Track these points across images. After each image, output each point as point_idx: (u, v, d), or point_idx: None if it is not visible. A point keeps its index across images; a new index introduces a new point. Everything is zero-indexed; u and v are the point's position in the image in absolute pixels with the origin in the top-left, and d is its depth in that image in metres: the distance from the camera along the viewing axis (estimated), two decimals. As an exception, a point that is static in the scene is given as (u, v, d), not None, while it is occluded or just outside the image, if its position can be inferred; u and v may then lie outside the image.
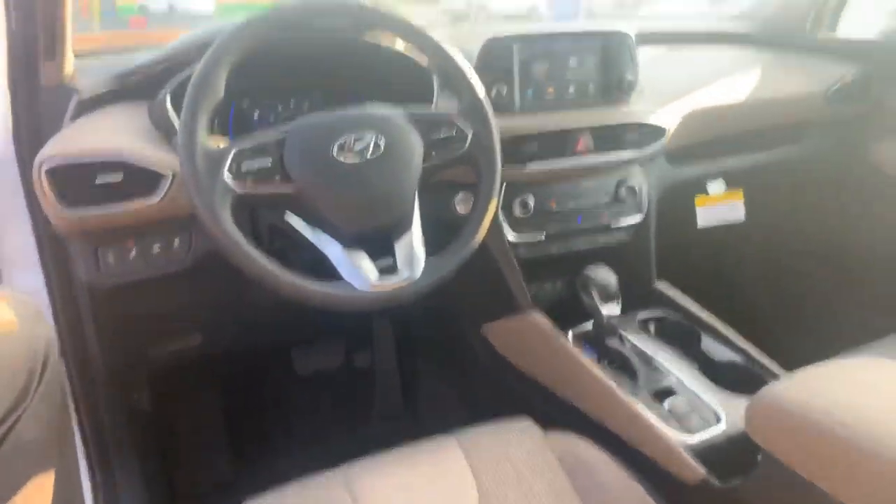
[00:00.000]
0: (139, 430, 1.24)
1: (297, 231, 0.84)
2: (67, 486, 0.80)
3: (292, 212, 0.84)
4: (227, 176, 0.75)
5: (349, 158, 0.80)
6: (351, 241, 0.82)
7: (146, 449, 1.25)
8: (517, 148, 1.10)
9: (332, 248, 0.81)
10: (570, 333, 1.15)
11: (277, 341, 1.53)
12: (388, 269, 0.83)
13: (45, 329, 0.77)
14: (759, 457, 0.78)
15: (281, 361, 1.61)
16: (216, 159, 0.75)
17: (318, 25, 1.01)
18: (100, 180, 0.86)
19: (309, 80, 1.15)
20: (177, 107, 0.90)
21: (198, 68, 0.77)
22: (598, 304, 1.06)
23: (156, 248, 0.94)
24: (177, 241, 0.95)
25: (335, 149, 0.79)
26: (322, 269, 0.82)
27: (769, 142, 1.47)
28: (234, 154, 0.76)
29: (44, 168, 0.83)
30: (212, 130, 0.88)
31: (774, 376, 1.04)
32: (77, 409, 1.10)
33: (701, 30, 1.68)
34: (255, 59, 0.81)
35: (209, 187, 0.74)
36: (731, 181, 1.44)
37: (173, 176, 0.88)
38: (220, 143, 0.78)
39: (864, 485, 0.62)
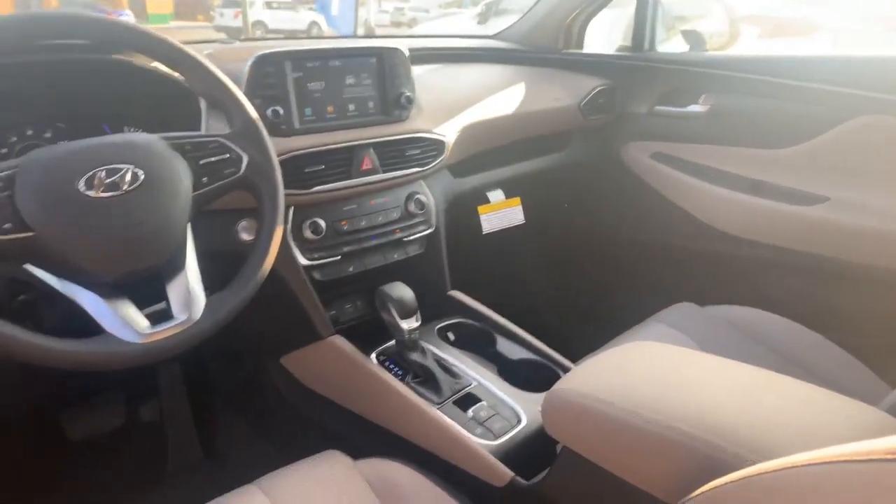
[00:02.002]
0: None
1: (41, 282, 0.71)
2: None
3: (33, 263, 0.71)
4: None
5: (101, 193, 0.69)
6: (111, 290, 0.72)
7: None
8: (301, 169, 1.06)
9: (89, 298, 0.70)
10: (374, 354, 1.14)
11: (39, 406, 1.31)
12: (162, 316, 0.74)
13: None
14: (558, 450, 0.83)
15: (48, 427, 1.38)
16: None
17: (49, 45, 0.88)
18: None
19: (52, 107, 1.00)
20: None
21: None
22: (397, 320, 1.06)
23: None
24: None
25: (82, 184, 0.68)
26: (81, 324, 0.70)
27: (539, 150, 1.60)
28: None
29: None
30: None
31: (564, 369, 1.12)
32: None
33: (469, 47, 1.77)
34: None
35: None
36: (510, 188, 1.54)
37: None
38: None
39: (647, 463, 0.68)
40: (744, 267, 1.54)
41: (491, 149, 1.46)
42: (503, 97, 1.48)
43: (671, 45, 1.83)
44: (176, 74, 0.92)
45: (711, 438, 0.62)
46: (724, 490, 0.48)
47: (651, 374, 0.77)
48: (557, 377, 1.09)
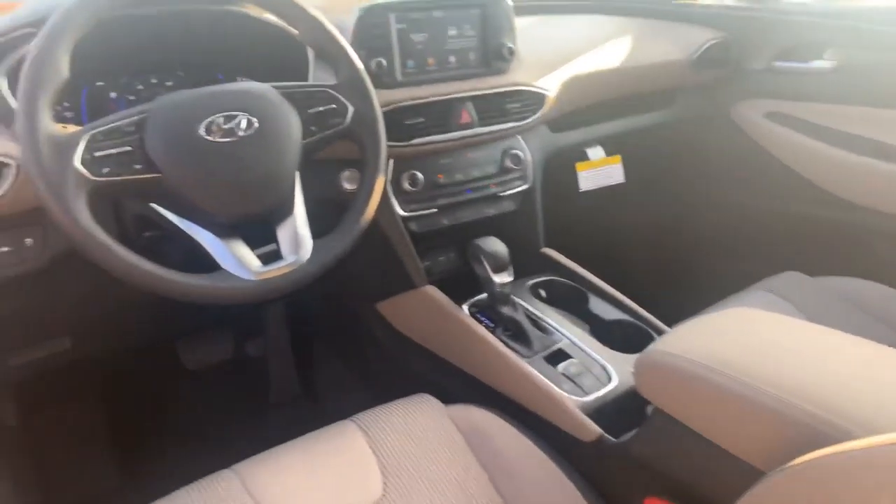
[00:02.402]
0: (6, 449, 1.12)
1: (166, 221, 0.77)
2: None
3: (159, 202, 0.77)
4: (78, 165, 0.67)
5: (219, 139, 0.74)
6: (227, 231, 0.77)
7: (16, 469, 1.14)
8: (401, 122, 1.08)
9: (207, 238, 0.76)
10: (466, 305, 1.16)
11: (158, 337, 1.44)
12: (273, 256, 0.78)
13: None
14: (648, 411, 0.82)
15: (165, 358, 1.52)
16: (64, 147, 0.67)
17: None
18: None
19: (172, 58, 1.06)
20: (14, 89, 0.80)
21: (34, 44, 0.68)
22: (490, 273, 1.07)
23: (4, 247, 0.84)
24: (28, 240, 0.85)
25: (202, 129, 0.73)
26: (198, 261, 0.76)
27: (643, 106, 1.53)
28: (87, 140, 0.68)
29: None
30: (61, 115, 0.79)
31: (658, 332, 1.10)
32: None
33: None
34: (107, 33, 0.73)
35: (58, 178, 0.66)
36: (610, 145, 1.49)
37: (17, 167, 0.78)
38: (69, 128, 0.70)
39: (741, 429, 0.67)
40: (862, 237, 1.43)
41: (592, 104, 1.42)
42: (608, 50, 1.42)
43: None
44: (286, 25, 0.96)
45: (814, 409, 0.59)
46: (823, 462, 0.47)
47: (753, 340, 0.74)
48: (651, 339, 1.07)
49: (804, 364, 0.68)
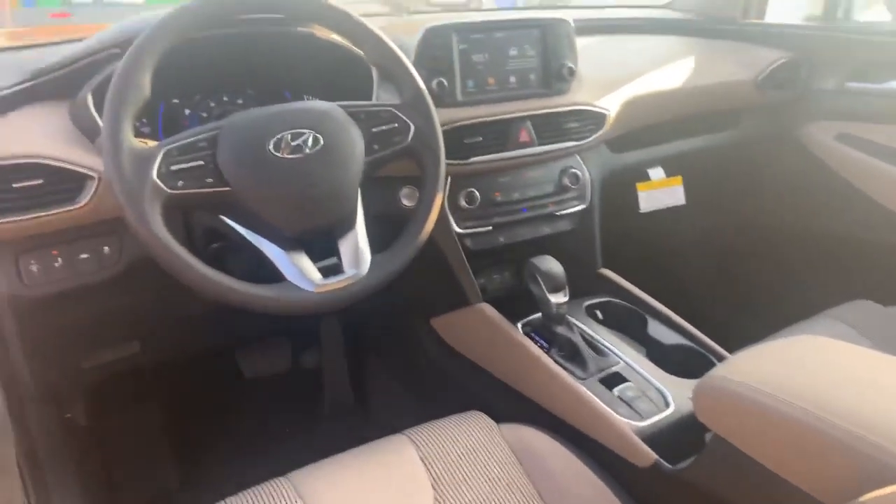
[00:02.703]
0: (76, 448, 1.18)
1: (235, 232, 0.80)
2: None
3: (227, 215, 0.80)
4: (156, 177, 0.71)
5: (287, 155, 0.77)
6: (291, 243, 0.79)
7: (85, 467, 1.19)
8: (460, 140, 1.09)
9: (272, 250, 0.78)
10: (520, 325, 1.15)
11: (220, 345, 1.48)
12: (333, 270, 0.81)
13: None
14: (707, 438, 0.80)
15: (225, 365, 1.56)
16: (144, 160, 0.71)
17: (248, 18, 0.97)
18: (17, 185, 0.80)
19: (242, 76, 1.11)
20: (99, 106, 0.85)
21: (121, 65, 0.73)
22: (545, 293, 1.06)
23: (84, 255, 0.89)
24: (106, 248, 0.90)
25: (271, 146, 0.76)
26: (262, 272, 0.78)
27: (705, 127, 1.51)
28: (163, 154, 0.72)
29: None
30: (139, 130, 0.84)
31: (719, 357, 1.07)
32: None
33: (638, 17, 1.70)
34: (183, 53, 0.77)
35: (137, 190, 0.70)
36: (671, 166, 1.47)
37: (99, 179, 0.83)
38: (148, 143, 0.74)
39: (807, 462, 0.64)
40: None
41: (653, 124, 1.40)
42: (671, 70, 1.41)
43: (871, 13, 1.64)
44: (352, 46, 0.99)
45: (886, 444, 0.57)
46: (893, 499, 0.45)
47: (819, 369, 0.71)
48: (712, 365, 1.04)
49: (876, 396, 0.65)
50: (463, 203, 1.14)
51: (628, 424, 0.92)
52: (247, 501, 0.77)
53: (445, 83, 1.08)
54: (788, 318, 1.15)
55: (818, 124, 1.52)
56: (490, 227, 1.18)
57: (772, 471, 0.67)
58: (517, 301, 1.19)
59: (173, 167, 0.72)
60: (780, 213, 1.68)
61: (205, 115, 1.09)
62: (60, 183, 0.82)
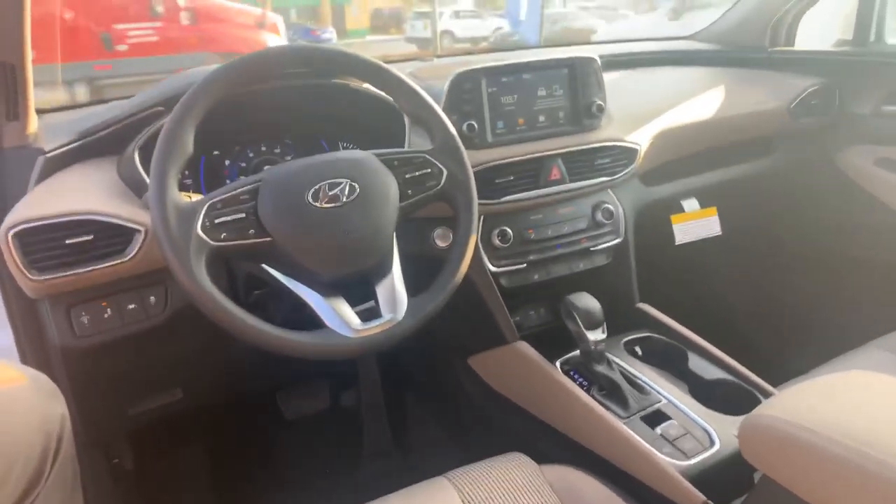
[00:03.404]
0: (123, 492, 1.20)
1: (275, 280, 0.82)
2: None
3: (268, 263, 0.82)
4: (200, 231, 0.73)
5: (325, 205, 0.79)
6: (330, 289, 0.81)
7: None
8: (492, 180, 1.11)
9: (312, 297, 0.80)
10: (558, 363, 1.15)
11: (260, 388, 1.50)
12: (371, 314, 0.82)
13: (60, 407, 0.74)
14: (756, 477, 0.78)
15: (266, 407, 1.58)
16: (188, 214, 0.73)
17: (284, 74, 1.00)
18: (69, 241, 0.84)
19: (279, 126, 1.15)
20: (145, 162, 0.89)
21: (166, 124, 0.76)
22: (583, 330, 1.06)
23: (131, 305, 0.92)
24: (153, 298, 0.93)
25: (309, 196, 0.78)
26: (302, 318, 0.80)
27: (738, 156, 1.50)
28: (207, 208, 0.74)
29: (11, 234, 0.81)
30: (182, 183, 0.87)
31: (763, 392, 1.04)
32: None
33: (664, 50, 1.71)
34: (223, 107, 0.80)
35: (183, 244, 0.72)
36: (705, 197, 1.46)
37: (146, 232, 0.86)
38: (191, 196, 0.77)
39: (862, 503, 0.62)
40: None
41: (685, 156, 1.40)
42: (701, 101, 1.41)
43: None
44: (384, 95, 1.02)
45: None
46: None
47: (871, 404, 0.69)
48: (757, 401, 1.02)
49: (932, 434, 0.62)
50: (496, 242, 1.14)
51: (673, 464, 0.90)
52: None
53: (476, 126, 1.10)
54: (832, 348, 1.12)
55: (855, 149, 1.50)
56: (524, 265, 1.18)
57: None
58: (555, 337, 1.19)
59: (217, 220, 0.74)
60: (820, 240, 1.64)
61: (244, 165, 1.12)
62: (110, 237, 0.86)
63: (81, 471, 1.10)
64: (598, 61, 1.20)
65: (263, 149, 1.14)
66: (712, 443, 0.94)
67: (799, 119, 1.48)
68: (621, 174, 1.22)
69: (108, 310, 0.91)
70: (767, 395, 1.03)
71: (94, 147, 0.98)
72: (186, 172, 1.08)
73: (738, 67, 1.62)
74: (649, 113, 1.32)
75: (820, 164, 1.56)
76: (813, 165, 1.56)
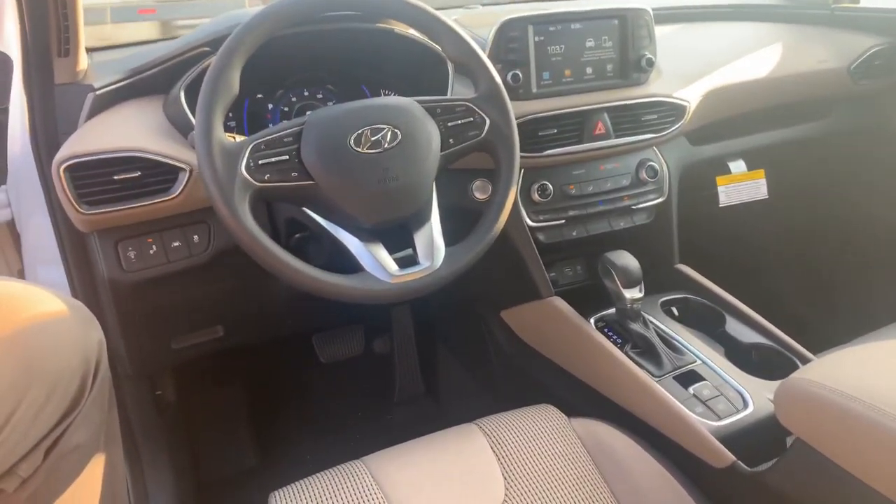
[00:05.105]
0: (166, 423, 1.25)
1: (316, 223, 0.83)
2: (113, 481, 0.81)
3: (310, 207, 0.83)
4: (244, 171, 0.74)
5: (366, 150, 0.79)
6: (369, 235, 0.81)
7: (173, 441, 1.27)
8: (534, 133, 1.09)
9: (351, 241, 0.81)
10: (592, 319, 1.14)
11: (298, 330, 1.54)
12: (408, 261, 0.82)
13: (97, 333, 0.77)
14: (789, 442, 0.77)
15: (303, 349, 1.62)
16: (233, 154, 0.74)
17: (331, 15, 1.00)
18: (118, 177, 0.86)
19: (322, 71, 1.14)
20: (191, 102, 0.90)
21: (212, 64, 0.77)
22: (620, 289, 1.05)
23: (176, 242, 0.95)
24: (196, 237, 0.95)
25: (352, 141, 0.78)
26: (341, 262, 0.81)
27: (791, 118, 1.44)
28: (251, 149, 0.75)
29: (62, 167, 0.83)
30: (226, 125, 0.88)
31: (801, 359, 1.03)
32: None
33: (720, 4, 1.64)
34: (267, 50, 0.80)
35: (227, 183, 0.73)
36: (753, 159, 1.42)
37: (191, 171, 0.88)
38: (235, 137, 0.78)
39: (898, 470, 0.61)
40: None
41: (735, 116, 1.35)
42: (755, 59, 1.35)
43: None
44: (429, 41, 1.00)
45: None
46: None
47: None
48: (794, 367, 1.00)
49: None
50: (536, 196, 1.13)
51: (704, 424, 0.90)
52: (324, 482, 0.80)
53: (521, 76, 1.08)
54: (875, 320, 1.09)
55: (918, 115, 1.43)
56: (563, 221, 1.17)
57: (858, 478, 0.65)
58: (589, 295, 1.18)
59: (260, 161, 0.75)
60: (871, 210, 1.59)
61: (286, 109, 1.13)
62: (156, 175, 0.88)
63: (129, 402, 1.16)
64: (651, 13, 1.16)
65: (306, 94, 1.14)
66: (745, 405, 0.93)
67: (859, 81, 1.41)
68: (668, 132, 1.18)
69: (154, 246, 0.93)
70: (806, 361, 1.02)
71: (141, 86, 0.99)
72: (230, 115, 1.09)
73: (798, 24, 1.54)
74: (701, 70, 1.27)
75: (878, 129, 1.49)
76: (870, 131, 1.50)
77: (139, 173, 0.87)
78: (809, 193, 1.66)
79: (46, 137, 0.92)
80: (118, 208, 0.87)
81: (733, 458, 0.85)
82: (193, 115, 0.83)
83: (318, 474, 0.82)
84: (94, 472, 0.76)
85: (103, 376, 0.77)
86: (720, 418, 0.91)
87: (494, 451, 0.84)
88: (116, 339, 1.05)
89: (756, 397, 0.94)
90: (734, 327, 1.12)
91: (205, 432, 1.47)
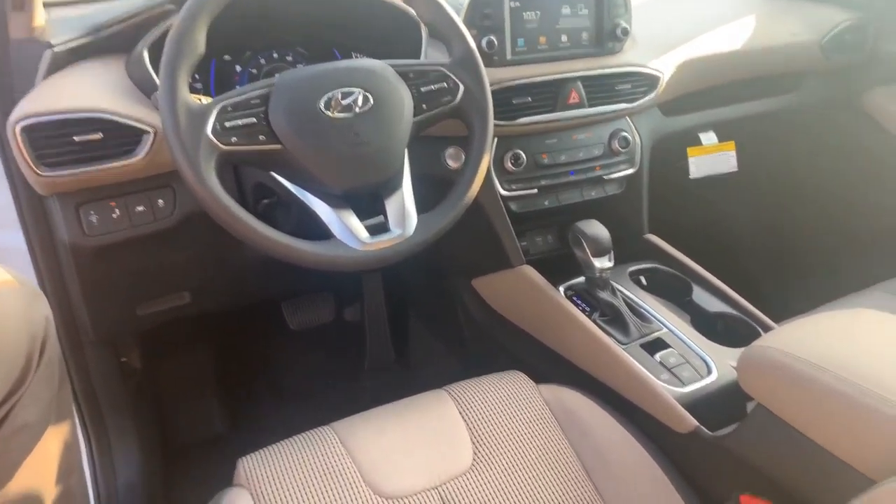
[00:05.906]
0: (131, 390, 1.24)
1: (284, 189, 0.81)
2: (66, 457, 0.80)
3: (278, 171, 0.81)
4: (210, 134, 0.72)
5: (337, 114, 0.77)
6: (339, 201, 0.80)
7: (138, 408, 1.26)
8: (508, 100, 1.08)
9: (321, 207, 0.80)
10: (562, 288, 1.15)
11: (267, 297, 1.53)
12: (380, 228, 0.81)
13: (43, 309, 0.75)
14: (749, 407, 0.79)
15: (271, 316, 1.61)
16: (199, 116, 0.72)
17: None
18: (78, 139, 0.83)
19: (292, 33, 1.11)
20: (155, 62, 0.87)
21: (176, 22, 0.74)
22: (590, 258, 1.06)
23: (140, 207, 0.92)
24: (161, 201, 0.93)
25: (322, 104, 0.77)
26: (310, 228, 0.80)
27: (763, 91, 1.45)
28: (218, 111, 0.73)
29: (18, 127, 0.80)
30: (192, 87, 0.85)
31: (765, 327, 1.05)
32: (68, 371, 1.09)
33: None
34: (235, 10, 0.78)
35: (192, 145, 0.71)
36: (724, 131, 1.43)
37: (155, 134, 0.85)
38: (201, 99, 0.75)
39: (852, 434, 0.63)
40: None
41: (708, 87, 1.36)
42: (730, 31, 1.35)
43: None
44: (403, 4, 0.98)
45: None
46: None
47: (869, 341, 0.70)
48: (757, 335, 1.03)
49: (929, 372, 0.63)
50: (509, 165, 1.13)
51: (669, 390, 0.92)
52: (292, 448, 0.80)
53: (495, 42, 1.06)
54: (841, 290, 1.12)
55: (885, 90, 1.45)
56: (535, 190, 1.17)
57: (814, 441, 0.67)
58: (560, 264, 1.19)
59: (227, 123, 0.73)
60: (838, 182, 1.62)
61: (255, 71, 1.10)
62: (119, 137, 0.85)
63: (92, 369, 1.14)
64: None
65: (275, 56, 1.11)
66: (709, 372, 0.96)
67: (830, 56, 1.43)
68: (641, 101, 1.19)
69: (117, 210, 0.91)
70: (769, 329, 1.04)
71: (102, 44, 0.95)
72: (196, 76, 1.05)
73: None
74: (675, 40, 1.27)
75: (847, 103, 1.51)
76: (839, 105, 1.52)
77: (101, 135, 0.84)
78: (777, 166, 1.68)
79: (1, 95, 0.89)
80: (79, 171, 0.84)
81: (696, 423, 0.87)
82: (157, 75, 0.80)
83: (286, 440, 0.82)
84: (46, 450, 0.75)
85: (51, 354, 0.75)
86: (684, 385, 0.93)
87: (463, 417, 0.85)
88: (79, 304, 1.03)
89: (720, 364, 0.96)
90: (701, 297, 1.14)
91: (172, 399, 1.46)
